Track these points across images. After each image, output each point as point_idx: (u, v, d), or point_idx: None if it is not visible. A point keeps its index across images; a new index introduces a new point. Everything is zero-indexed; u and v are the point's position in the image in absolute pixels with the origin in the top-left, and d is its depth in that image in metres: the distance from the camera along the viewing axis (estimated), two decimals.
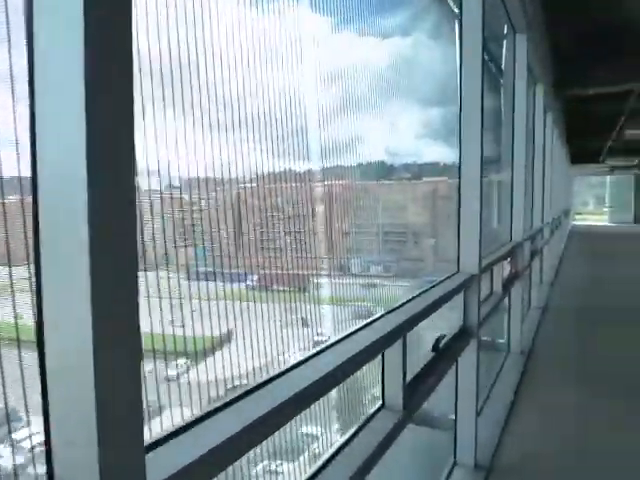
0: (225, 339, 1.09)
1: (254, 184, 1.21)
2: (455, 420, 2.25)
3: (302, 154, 1.35)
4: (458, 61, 2.26)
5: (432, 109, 2.70)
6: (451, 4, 2.66)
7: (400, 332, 1.41)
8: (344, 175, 1.64)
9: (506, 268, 4.03)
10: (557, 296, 6.61)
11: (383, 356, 1.42)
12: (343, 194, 1.65)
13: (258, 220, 1.26)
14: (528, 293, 6.01)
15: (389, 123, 1.88)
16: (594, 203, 32.49)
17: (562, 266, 9.41)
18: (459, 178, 2.26)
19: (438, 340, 1.84)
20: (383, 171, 2.01)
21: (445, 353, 1.86)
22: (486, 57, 4.48)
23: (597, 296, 6.66)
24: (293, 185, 1.35)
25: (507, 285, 3.64)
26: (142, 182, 0.87)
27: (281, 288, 1.31)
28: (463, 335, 2.14)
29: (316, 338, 1.37)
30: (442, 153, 2.78)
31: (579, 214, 29.58)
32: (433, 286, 2.02)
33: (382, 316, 1.53)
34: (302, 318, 1.36)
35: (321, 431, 1.38)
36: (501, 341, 4.13)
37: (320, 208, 1.49)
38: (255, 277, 1.23)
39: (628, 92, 7.06)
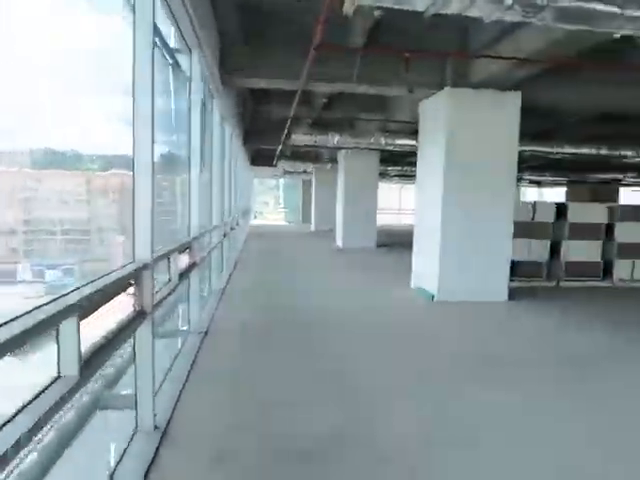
0: None
1: None
2: None
3: None
4: None
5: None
6: None
7: None
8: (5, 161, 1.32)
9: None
10: (224, 310, 5.75)
11: None
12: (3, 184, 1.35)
13: None
14: (187, 314, 4.89)
15: (76, 107, 1.77)
16: (273, 204, 35.93)
17: (236, 270, 8.92)
18: None
19: None
20: (64, 160, 1.91)
21: None
22: None
23: (267, 303, 6.17)
24: None
25: (119, 335, 2.24)
26: None
27: None
28: None
29: None
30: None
31: (260, 213, 32.03)
32: None
33: None
34: None
35: None
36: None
37: None
38: None
39: (294, 92, 6.84)
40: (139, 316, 2.57)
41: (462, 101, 6.14)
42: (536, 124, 7.94)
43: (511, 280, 6.66)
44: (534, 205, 7.87)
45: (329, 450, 2.60)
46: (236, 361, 4.06)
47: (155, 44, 3.65)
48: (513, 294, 6.58)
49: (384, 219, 20.61)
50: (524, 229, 7.38)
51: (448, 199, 6.27)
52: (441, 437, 2.81)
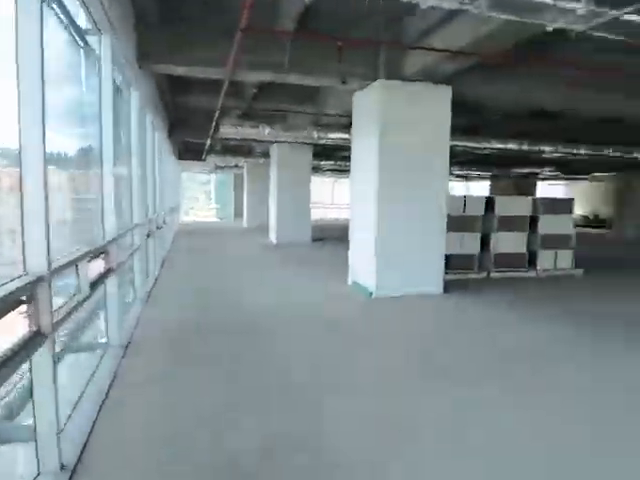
0: None
1: None
2: None
3: None
4: None
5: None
6: None
7: None
8: None
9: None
10: (150, 315, 5.27)
11: None
12: None
13: None
14: (105, 327, 4.39)
15: None
16: (204, 199, 34.71)
17: (165, 270, 8.35)
18: None
19: None
20: None
21: None
22: None
23: (196, 304, 5.75)
24: None
25: (5, 366, 1.82)
26: None
27: None
28: None
29: None
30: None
31: (191, 209, 30.82)
32: None
33: None
34: None
35: None
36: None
37: None
38: None
39: (221, 82, 6.43)
40: (35, 338, 2.15)
41: (395, 93, 6.05)
42: (466, 119, 8.08)
43: (445, 273, 6.72)
44: (464, 199, 8.02)
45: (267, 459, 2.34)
46: (163, 370, 3.66)
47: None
48: (448, 287, 6.63)
49: (318, 213, 20.55)
50: (456, 223, 7.48)
51: (383, 194, 6.17)
52: (394, 435, 2.64)
